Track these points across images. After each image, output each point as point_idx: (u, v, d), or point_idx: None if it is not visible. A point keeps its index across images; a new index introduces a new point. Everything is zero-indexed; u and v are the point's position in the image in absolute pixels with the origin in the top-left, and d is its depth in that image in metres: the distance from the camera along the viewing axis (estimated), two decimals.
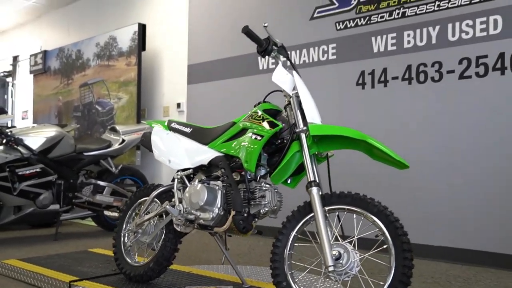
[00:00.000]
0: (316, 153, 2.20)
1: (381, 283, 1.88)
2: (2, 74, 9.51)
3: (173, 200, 2.51)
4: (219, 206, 2.29)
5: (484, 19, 3.56)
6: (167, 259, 2.57)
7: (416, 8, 3.90)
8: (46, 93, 7.63)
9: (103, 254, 3.51)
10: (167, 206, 2.42)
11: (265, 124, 2.22)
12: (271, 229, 2.61)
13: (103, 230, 5.03)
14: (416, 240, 3.77)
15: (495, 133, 3.48)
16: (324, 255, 1.92)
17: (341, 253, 1.93)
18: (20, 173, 4.23)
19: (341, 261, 1.92)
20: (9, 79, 9.44)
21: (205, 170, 2.49)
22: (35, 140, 4.35)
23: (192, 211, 2.33)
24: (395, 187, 3.90)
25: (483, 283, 3.03)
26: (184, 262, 3.32)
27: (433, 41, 3.80)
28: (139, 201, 2.78)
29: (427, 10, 3.84)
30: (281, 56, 2.36)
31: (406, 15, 3.95)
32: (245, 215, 2.19)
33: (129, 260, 2.72)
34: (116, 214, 4.84)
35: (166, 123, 2.76)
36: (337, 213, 2.07)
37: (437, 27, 3.78)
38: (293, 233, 2.10)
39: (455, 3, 3.70)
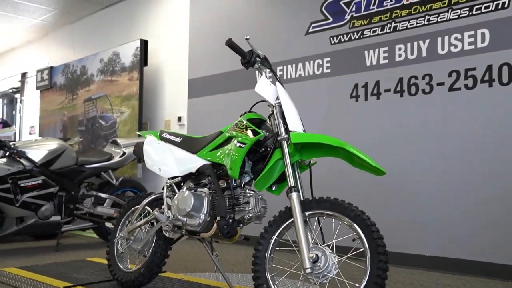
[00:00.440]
0: (300, 161, 2.28)
1: (357, 285, 1.94)
2: (10, 91, 9.72)
3: (162, 207, 2.59)
4: (205, 212, 2.38)
5: (472, 32, 3.65)
6: (157, 265, 2.65)
7: (407, 22, 4.00)
8: (52, 108, 7.80)
9: (100, 263, 3.59)
10: (156, 213, 2.51)
11: (249, 133, 2.31)
12: None
13: (104, 241, 5.10)
14: (409, 250, 3.83)
15: (485, 143, 3.54)
16: (302, 258, 1.99)
17: (319, 256, 2.00)
18: (22, 184, 4.33)
19: (318, 264, 1.99)
20: (17, 95, 9.65)
21: (194, 178, 2.59)
22: (37, 152, 4.46)
23: (180, 217, 2.41)
24: (387, 197, 3.95)
25: None
26: (180, 271, 3.39)
27: (424, 54, 3.89)
28: (132, 209, 2.87)
29: (417, 24, 3.93)
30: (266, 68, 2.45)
31: (398, 29, 4.04)
32: (230, 220, 2.27)
33: (121, 266, 2.80)
34: None
35: (158, 134, 2.86)
36: (317, 218, 2.15)
37: (427, 41, 3.87)
38: (274, 237, 2.17)
39: (444, 17, 3.79)
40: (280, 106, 2.28)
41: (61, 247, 4.66)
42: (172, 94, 6.14)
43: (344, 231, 2.05)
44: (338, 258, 2.02)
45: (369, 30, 4.22)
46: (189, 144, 2.64)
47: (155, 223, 2.67)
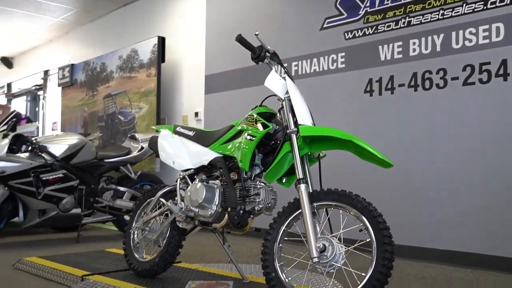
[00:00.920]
0: (309, 153, 2.33)
1: (363, 274, 1.99)
2: (33, 88, 9.96)
3: (176, 198, 2.67)
4: (217, 203, 2.45)
5: (487, 26, 3.63)
6: (172, 255, 2.73)
7: (421, 17, 4.00)
8: (73, 104, 7.98)
9: (118, 253, 3.70)
10: (170, 204, 2.59)
11: (259, 126, 2.37)
12: None
13: (123, 233, 5.21)
14: (422, 244, 3.84)
15: (499, 136, 3.53)
16: (309, 247, 2.04)
17: (326, 245, 2.05)
18: (44, 178, 4.46)
19: (326, 253, 2.03)
20: (40, 92, 9.88)
21: (206, 171, 2.66)
22: (58, 147, 4.60)
23: (192, 208, 2.48)
24: (401, 190, 3.97)
25: (483, 286, 3.07)
26: (196, 262, 3.46)
27: (438, 49, 3.88)
28: (148, 200, 2.96)
29: (432, 19, 3.93)
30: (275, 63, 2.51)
31: (412, 24, 4.05)
32: (240, 211, 2.34)
33: (137, 256, 2.90)
34: None
35: (172, 127, 2.94)
36: (325, 209, 2.19)
37: (441, 35, 3.87)
38: (283, 227, 2.23)
39: (458, 12, 3.79)
40: (290, 100, 2.33)
41: (81, 239, 4.78)
42: (189, 89, 6.23)
43: (352, 222, 2.10)
44: (345, 248, 2.07)
45: (383, 25, 4.23)
46: (201, 137, 2.71)
47: (169, 214, 2.75)
